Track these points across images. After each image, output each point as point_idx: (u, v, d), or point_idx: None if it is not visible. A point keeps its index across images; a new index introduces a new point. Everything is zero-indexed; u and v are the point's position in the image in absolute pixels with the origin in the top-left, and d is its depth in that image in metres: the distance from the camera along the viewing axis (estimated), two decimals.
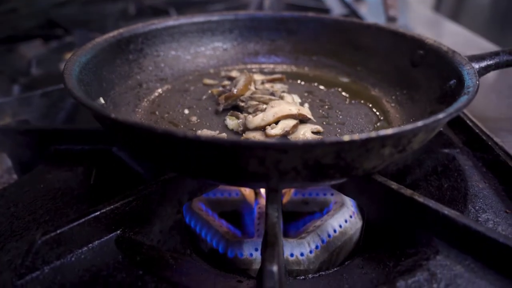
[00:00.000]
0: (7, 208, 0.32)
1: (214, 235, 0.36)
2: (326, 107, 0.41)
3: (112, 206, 0.28)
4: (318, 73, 0.49)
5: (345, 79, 0.47)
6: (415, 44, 0.41)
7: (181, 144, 0.22)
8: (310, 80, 0.47)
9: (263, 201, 0.43)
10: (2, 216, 0.31)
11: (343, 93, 0.44)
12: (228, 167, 0.23)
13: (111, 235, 0.28)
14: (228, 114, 0.37)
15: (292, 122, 0.33)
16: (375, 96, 0.43)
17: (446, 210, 0.26)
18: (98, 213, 0.27)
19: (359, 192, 0.32)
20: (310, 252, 0.35)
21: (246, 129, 0.34)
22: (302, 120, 0.35)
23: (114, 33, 0.41)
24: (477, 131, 0.38)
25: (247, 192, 0.42)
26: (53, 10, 0.99)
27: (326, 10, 0.95)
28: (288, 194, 0.42)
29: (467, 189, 0.33)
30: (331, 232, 0.37)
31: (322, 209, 0.41)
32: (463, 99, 0.26)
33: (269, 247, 0.24)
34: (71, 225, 0.26)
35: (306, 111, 0.36)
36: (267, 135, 0.32)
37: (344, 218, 0.38)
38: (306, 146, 0.21)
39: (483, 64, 0.36)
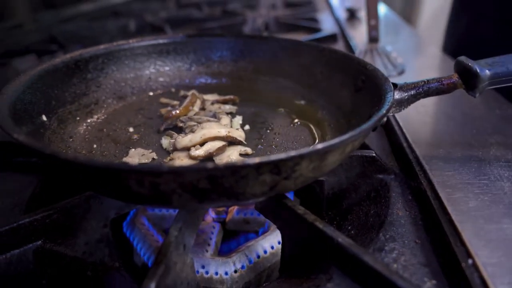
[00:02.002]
0: None
1: (148, 249, 0.38)
2: (267, 129, 0.42)
3: (31, 218, 0.30)
4: (273, 94, 0.50)
5: (299, 101, 0.48)
6: (359, 69, 0.42)
7: (64, 164, 0.24)
8: (263, 101, 0.48)
9: (209, 218, 0.44)
10: None
11: (292, 115, 0.45)
12: (112, 188, 0.25)
13: (30, 245, 0.30)
14: (165, 133, 0.38)
15: (218, 144, 0.35)
16: (320, 119, 0.43)
17: (341, 238, 0.27)
18: (14, 224, 0.29)
19: (274, 215, 0.32)
20: (235, 271, 0.36)
21: (175, 149, 0.35)
22: (232, 142, 0.36)
23: (73, 53, 0.44)
24: (410, 157, 0.38)
25: None
26: (58, 26, 1.05)
27: (318, 29, 0.97)
28: (231, 213, 0.43)
29: (387, 216, 0.33)
30: (261, 253, 0.37)
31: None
32: (353, 131, 0.27)
33: (154, 265, 0.25)
34: None
35: (237, 133, 0.37)
36: (190, 156, 0.34)
37: (277, 240, 0.38)
38: (154, 171, 0.22)
39: (412, 92, 0.36)
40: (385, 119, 0.36)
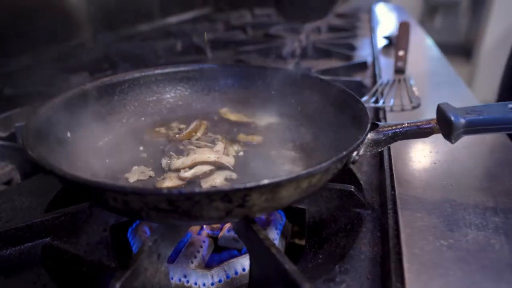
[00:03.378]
0: None
1: None
2: (262, 157, 0.45)
3: (43, 218, 0.37)
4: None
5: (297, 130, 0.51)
6: (352, 105, 0.44)
7: (59, 178, 0.30)
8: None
9: (203, 233, 0.48)
10: None
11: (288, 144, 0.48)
12: (97, 200, 0.30)
13: (40, 241, 0.37)
14: (167, 154, 0.44)
15: (206, 167, 0.39)
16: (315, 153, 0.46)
17: (288, 265, 0.29)
18: (30, 222, 0.36)
19: (245, 237, 0.36)
20: (212, 284, 0.40)
21: (169, 169, 0.40)
22: (221, 167, 0.41)
23: (104, 79, 0.52)
24: (387, 195, 0.39)
25: None
26: (114, 45, 1.18)
27: (350, 57, 0.98)
28: (223, 231, 0.47)
29: (351, 249, 0.35)
30: (239, 270, 0.41)
31: None
32: (303, 171, 0.29)
33: (123, 268, 0.30)
34: (9, 228, 0.35)
35: (226, 159, 0.41)
36: (179, 177, 0.39)
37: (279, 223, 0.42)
38: (116, 190, 0.27)
39: (390, 133, 0.38)
40: (356, 157, 0.38)
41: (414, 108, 0.62)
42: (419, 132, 0.37)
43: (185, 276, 0.40)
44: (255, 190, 0.28)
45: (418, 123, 0.37)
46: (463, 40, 4.41)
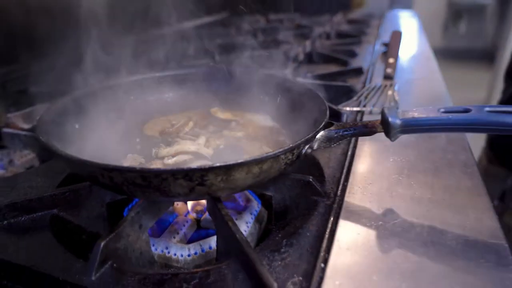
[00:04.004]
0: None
1: None
2: (237, 149, 0.52)
3: (52, 193, 0.45)
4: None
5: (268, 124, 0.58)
6: (319, 105, 0.50)
7: (58, 157, 0.38)
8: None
9: (189, 216, 0.56)
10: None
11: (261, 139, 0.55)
12: (91, 178, 0.38)
13: (49, 211, 0.45)
14: (158, 145, 0.51)
15: (186, 157, 0.47)
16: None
17: (238, 234, 0.36)
18: (41, 196, 0.44)
19: (213, 215, 0.43)
20: (188, 255, 0.47)
21: (157, 157, 0.48)
22: (200, 157, 0.48)
23: (112, 81, 0.60)
24: (340, 183, 0.45)
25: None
26: (135, 47, 1.28)
27: (346, 62, 1.04)
28: (205, 214, 0.54)
29: (301, 229, 0.41)
30: (213, 246, 0.47)
31: None
32: (254, 157, 0.36)
33: (109, 232, 0.37)
34: (25, 199, 0.44)
35: (205, 151, 0.48)
36: (163, 164, 0.46)
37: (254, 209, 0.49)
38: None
39: (341, 132, 0.44)
40: (308, 150, 0.44)
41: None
42: (365, 131, 0.43)
43: (166, 248, 0.47)
44: (210, 171, 0.35)
45: (365, 123, 0.43)
46: (489, 46, 4.32)
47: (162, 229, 0.53)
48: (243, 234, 0.36)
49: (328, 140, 0.44)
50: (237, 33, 1.59)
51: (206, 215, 0.54)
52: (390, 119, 0.41)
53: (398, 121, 0.40)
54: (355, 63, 1.03)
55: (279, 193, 0.48)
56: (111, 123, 0.57)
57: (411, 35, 1.48)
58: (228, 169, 0.36)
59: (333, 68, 1.03)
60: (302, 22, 1.71)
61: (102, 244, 0.36)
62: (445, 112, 0.40)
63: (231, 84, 0.65)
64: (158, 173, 0.34)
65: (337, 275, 0.33)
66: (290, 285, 0.33)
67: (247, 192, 0.56)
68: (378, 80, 0.85)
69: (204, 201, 0.56)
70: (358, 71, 0.95)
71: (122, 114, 0.60)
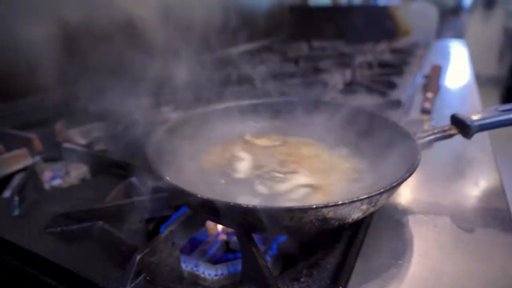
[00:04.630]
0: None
1: None
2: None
3: (99, 207, 0.50)
4: None
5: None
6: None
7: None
8: None
9: (220, 237, 0.59)
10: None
11: None
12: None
13: (95, 222, 0.50)
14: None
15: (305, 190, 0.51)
16: None
17: (261, 261, 0.39)
18: (90, 208, 0.50)
19: (239, 240, 0.46)
20: (215, 275, 0.50)
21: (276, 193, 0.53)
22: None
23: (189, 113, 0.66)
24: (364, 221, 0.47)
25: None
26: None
27: (385, 93, 1.04)
28: (234, 237, 0.57)
29: (322, 260, 0.43)
30: (239, 268, 0.50)
31: None
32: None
33: (145, 246, 0.41)
34: (76, 210, 0.50)
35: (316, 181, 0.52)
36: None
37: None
38: None
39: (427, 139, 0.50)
40: None
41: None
42: (445, 135, 0.52)
43: (196, 266, 0.51)
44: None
45: (443, 128, 0.53)
46: None
47: (193, 247, 0.57)
48: (265, 261, 0.39)
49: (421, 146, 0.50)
50: (280, 60, 1.65)
51: (235, 238, 0.58)
52: (468, 122, 0.50)
53: (475, 123, 0.50)
54: (394, 95, 1.03)
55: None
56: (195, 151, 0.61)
57: (457, 67, 1.46)
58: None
59: (371, 99, 1.04)
60: (345, 50, 1.74)
61: (138, 257, 0.40)
62: (503, 111, 0.51)
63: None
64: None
65: None
66: None
67: None
68: (415, 114, 0.85)
69: None
70: (396, 104, 0.96)
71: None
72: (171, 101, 1.05)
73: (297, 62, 1.54)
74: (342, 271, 0.39)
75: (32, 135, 0.75)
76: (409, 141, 0.49)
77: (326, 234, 0.48)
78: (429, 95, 0.86)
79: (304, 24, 2.34)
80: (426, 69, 1.33)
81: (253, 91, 1.19)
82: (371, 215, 0.49)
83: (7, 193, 0.64)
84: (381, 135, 0.56)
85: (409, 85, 1.16)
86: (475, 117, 0.51)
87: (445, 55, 1.73)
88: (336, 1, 3.07)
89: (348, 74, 1.29)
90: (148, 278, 0.41)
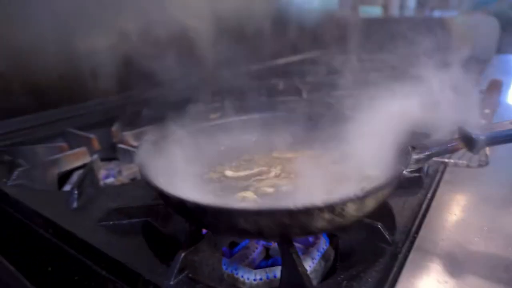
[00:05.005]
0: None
1: None
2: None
3: (147, 204, 0.53)
4: None
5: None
6: None
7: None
8: None
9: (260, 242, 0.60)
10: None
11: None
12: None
13: (144, 219, 0.53)
14: None
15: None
16: None
17: (301, 268, 0.39)
18: (139, 205, 0.53)
19: (280, 248, 0.46)
20: (254, 280, 0.50)
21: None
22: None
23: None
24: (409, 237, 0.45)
25: None
26: (229, 81, 1.41)
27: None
28: (274, 243, 0.57)
29: (363, 273, 0.42)
30: (278, 275, 0.50)
31: None
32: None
33: (190, 245, 0.43)
34: (127, 206, 0.53)
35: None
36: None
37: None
38: None
39: (427, 152, 0.47)
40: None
41: (480, 166, 0.64)
42: (450, 149, 0.48)
43: (236, 269, 0.52)
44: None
45: (446, 142, 0.49)
46: None
47: (235, 251, 0.58)
48: (306, 270, 0.39)
49: (417, 161, 0.47)
50: (328, 71, 1.64)
51: (276, 244, 0.58)
52: (473, 135, 0.45)
53: (482, 137, 0.44)
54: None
55: (346, 234, 0.50)
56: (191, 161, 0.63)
57: None
58: (365, 196, 0.39)
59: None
60: (395, 64, 1.69)
61: (183, 254, 0.42)
62: None
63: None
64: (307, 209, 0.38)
65: None
66: None
67: None
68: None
69: None
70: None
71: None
72: (218, 108, 1.08)
73: (343, 73, 1.53)
74: (384, 286, 0.38)
75: (91, 135, 0.81)
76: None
77: (368, 247, 0.47)
78: (487, 111, 0.81)
79: (354, 35, 2.31)
80: (484, 84, 1.26)
81: (297, 101, 1.20)
82: (417, 231, 0.48)
83: (67, 187, 0.69)
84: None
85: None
86: (482, 131, 0.46)
87: (506, 71, 1.63)
88: (388, 12, 3.01)
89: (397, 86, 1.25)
90: (190, 275, 0.42)
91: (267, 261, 0.55)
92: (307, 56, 2.00)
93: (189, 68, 1.27)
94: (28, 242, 0.55)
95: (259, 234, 0.41)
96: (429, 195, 0.55)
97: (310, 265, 0.52)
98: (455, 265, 0.40)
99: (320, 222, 0.39)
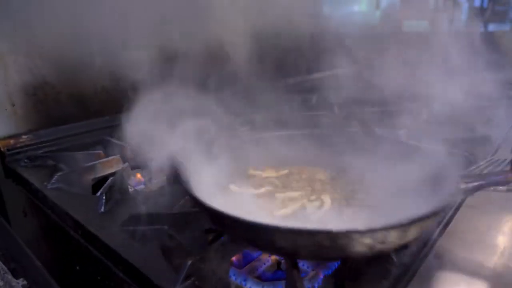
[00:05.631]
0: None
1: None
2: None
3: (167, 212, 0.56)
4: None
5: None
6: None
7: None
8: None
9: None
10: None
11: None
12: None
13: (162, 226, 0.56)
14: None
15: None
16: None
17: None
18: (158, 212, 0.56)
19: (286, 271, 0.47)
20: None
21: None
22: None
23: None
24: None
25: None
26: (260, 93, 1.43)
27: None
28: None
29: None
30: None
31: None
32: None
33: (198, 254, 0.45)
34: (146, 213, 0.56)
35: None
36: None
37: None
38: None
39: (476, 183, 0.45)
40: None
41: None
42: (502, 181, 0.45)
43: (245, 280, 0.53)
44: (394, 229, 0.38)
45: (499, 173, 0.46)
46: None
47: (246, 262, 0.59)
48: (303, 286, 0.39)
49: (464, 192, 0.45)
50: (367, 86, 1.61)
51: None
52: None
53: None
54: (485, 130, 0.94)
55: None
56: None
57: None
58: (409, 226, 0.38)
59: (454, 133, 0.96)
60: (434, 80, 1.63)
61: (190, 262, 0.44)
62: None
63: None
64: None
65: None
66: None
67: None
68: (506, 153, 0.76)
69: None
70: (483, 140, 0.87)
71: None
72: (249, 122, 1.11)
73: (381, 89, 1.50)
74: None
75: (124, 144, 0.86)
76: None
77: (373, 269, 0.47)
78: None
79: (396, 50, 2.26)
80: None
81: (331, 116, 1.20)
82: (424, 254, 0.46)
83: (99, 192, 0.74)
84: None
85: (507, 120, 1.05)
86: None
87: None
88: (435, 26, 2.90)
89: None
90: (196, 283, 0.44)
91: (277, 274, 0.56)
92: (345, 71, 1.98)
93: (225, 83, 1.31)
94: (60, 242, 0.61)
95: (294, 253, 0.42)
96: (444, 221, 0.53)
97: (314, 285, 0.53)
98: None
99: (361, 247, 0.38)
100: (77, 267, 0.64)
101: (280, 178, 0.62)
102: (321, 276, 0.52)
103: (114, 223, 0.58)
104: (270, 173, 0.62)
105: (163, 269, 0.47)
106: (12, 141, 0.87)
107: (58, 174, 0.72)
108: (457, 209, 0.56)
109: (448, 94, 1.35)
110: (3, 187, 0.90)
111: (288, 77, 1.73)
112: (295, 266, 0.44)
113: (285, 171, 0.64)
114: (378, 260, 0.47)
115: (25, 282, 0.54)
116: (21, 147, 0.87)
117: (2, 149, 0.85)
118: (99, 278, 0.57)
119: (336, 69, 1.92)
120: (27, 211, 0.84)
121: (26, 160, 0.82)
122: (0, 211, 0.91)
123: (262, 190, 0.59)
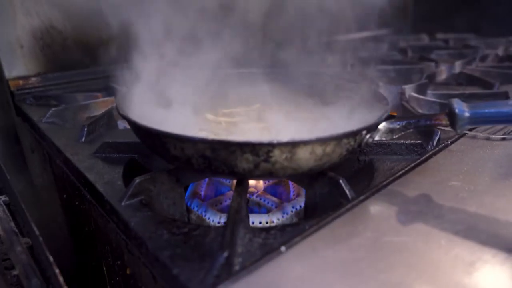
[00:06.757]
0: None
1: None
2: None
3: (134, 141, 0.57)
4: None
5: None
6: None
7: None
8: None
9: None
10: None
11: None
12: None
13: (131, 154, 0.57)
14: None
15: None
16: None
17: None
18: (128, 141, 0.57)
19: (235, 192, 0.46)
20: (218, 222, 0.51)
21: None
22: None
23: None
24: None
25: None
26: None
27: (491, 85, 0.88)
28: (253, 196, 0.57)
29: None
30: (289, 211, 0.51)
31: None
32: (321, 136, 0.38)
33: (148, 175, 0.45)
34: (117, 141, 0.57)
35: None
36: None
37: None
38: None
39: (404, 123, 0.45)
40: (369, 139, 0.42)
41: (503, 139, 0.55)
42: (429, 123, 0.44)
43: (205, 211, 0.53)
44: (277, 146, 0.37)
45: (429, 115, 0.44)
46: None
47: (212, 196, 0.60)
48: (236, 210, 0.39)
49: (390, 131, 0.44)
50: (388, 48, 1.52)
51: (254, 197, 0.58)
52: (457, 111, 0.41)
53: (466, 114, 0.41)
54: (503, 88, 0.85)
55: (311, 188, 0.48)
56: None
57: None
58: (294, 146, 0.37)
59: (472, 90, 0.89)
60: (471, 43, 1.50)
61: (137, 181, 0.44)
62: None
63: None
64: (227, 145, 0.37)
65: None
66: None
67: (301, 188, 0.57)
68: None
69: (260, 184, 0.60)
70: (499, 96, 0.80)
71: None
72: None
73: (405, 51, 1.41)
74: None
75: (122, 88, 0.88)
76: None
77: (330, 202, 0.45)
78: None
79: (432, 14, 2.10)
80: None
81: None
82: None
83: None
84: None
85: None
86: (470, 108, 0.42)
87: None
88: None
89: (458, 65, 1.12)
90: (144, 201, 0.45)
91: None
92: (375, 34, 1.87)
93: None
94: (53, 172, 0.64)
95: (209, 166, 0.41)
96: (419, 161, 0.49)
97: (278, 217, 0.52)
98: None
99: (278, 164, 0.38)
100: (64, 195, 0.68)
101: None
102: (287, 213, 0.51)
103: (88, 151, 0.59)
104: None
105: (118, 189, 0.48)
106: (21, 82, 0.91)
107: (53, 109, 0.75)
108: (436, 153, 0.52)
109: None
110: (17, 127, 0.96)
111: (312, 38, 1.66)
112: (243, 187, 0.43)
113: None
114: (333, 194, 0.45)
115: (6, 198, 0.58)
116: (29, 88, 0.92)
117: (12, 88, 0.90)
118: (77, 202, 0.60)
119: (364, 32, 1.82)
120: (34, 147, 0.90)
121: (31, 99, 0.87)
122: (17, 149, 0.98)
123: (236, 119, 0.59)
